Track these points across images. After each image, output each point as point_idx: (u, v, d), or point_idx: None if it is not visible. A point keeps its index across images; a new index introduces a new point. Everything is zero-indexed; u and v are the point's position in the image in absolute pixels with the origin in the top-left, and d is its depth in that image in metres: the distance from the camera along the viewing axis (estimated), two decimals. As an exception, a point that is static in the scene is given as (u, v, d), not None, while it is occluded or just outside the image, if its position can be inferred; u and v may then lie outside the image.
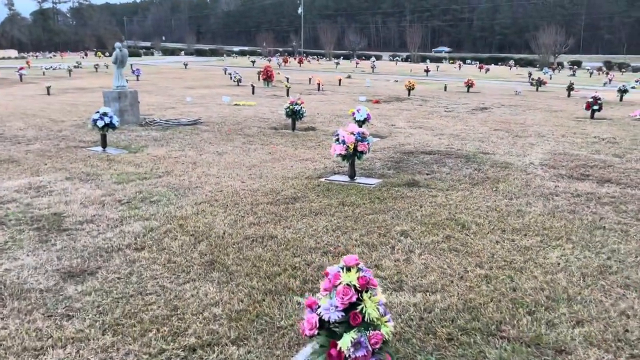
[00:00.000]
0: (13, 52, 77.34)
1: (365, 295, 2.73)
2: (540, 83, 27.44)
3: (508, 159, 9.00)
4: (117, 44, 12.82)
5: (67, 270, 4.31)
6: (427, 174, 7.73)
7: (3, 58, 68.50)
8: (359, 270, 2.80)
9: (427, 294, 3.93)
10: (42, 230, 5.25)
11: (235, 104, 17.48)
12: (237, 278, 4.19)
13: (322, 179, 7.44)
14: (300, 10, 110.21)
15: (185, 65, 49.93)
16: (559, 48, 63.96)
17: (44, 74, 35.94)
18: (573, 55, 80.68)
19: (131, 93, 12.83)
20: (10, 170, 7.91)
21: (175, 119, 13.21)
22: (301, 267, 4.38)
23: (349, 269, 2.81)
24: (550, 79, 36.58)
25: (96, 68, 42.42)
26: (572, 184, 7.39)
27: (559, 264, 4.52)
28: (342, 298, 2.68)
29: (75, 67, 42.93)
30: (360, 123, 11.11)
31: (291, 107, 11.88)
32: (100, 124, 9.45)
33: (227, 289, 4.00)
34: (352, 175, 7.34)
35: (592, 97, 15.51)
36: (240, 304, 3.76)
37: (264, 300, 3.82)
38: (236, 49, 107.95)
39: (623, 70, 58.30)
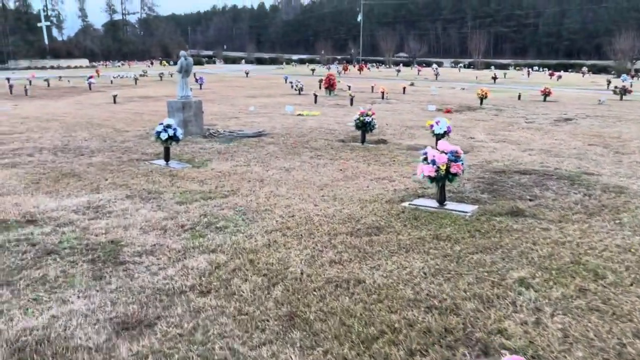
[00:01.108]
0: (84, 62, 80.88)
1: None
2: (624, 92, 25.24)
3: (619, 182, 7.73)
4: (182, 53, 12.43)
5: (122, 319, 3.62)
6: (529, 200, 6.64)
7: (75, 67, 71.74)
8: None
9: (581, 381, 2.93)
10: (97, 263, 4.62)
11: (299, 114, 16.83)
12: (323, 341, 3.34)
13: (406, 204, 6.51)
14: (359, 18, 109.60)
15: (247, 73, 50.18)
16: (637, 54, 59.76)
17: (111, 82, 36.94)
18: (650, 61, 75.48)
19: (195, 103, 12.39)
20: (71, 186, 7.49)
21: (240, 130, 12.66)
22: (402, 330, 3.48)
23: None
24: (631, 86, 33.87)
25: (161, 77, 43.31)
26: None
27: None
28: None
29: (141, 75, 44.03)
30: (440, 136, 10.11)
31: (361, 118, 11.03)
32: (163, 136, 8.94)
33: (313, 358, 3.17)
34: (441, 201, 6.37)
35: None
36: (332, 383, 2.91)
37: (362, 379, 2.95)
38: (295, 57, 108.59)
39: None
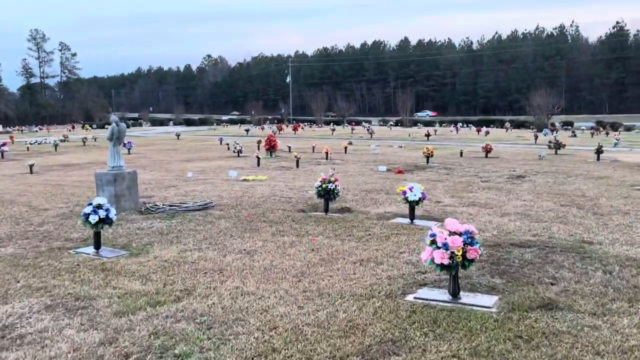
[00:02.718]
0: (-3, 127, 75.56)
1: None
2: (559, 146, 26.08)
3: (627, 252, 6.95)
4: (113, 118, 10.89)
5: None
6: (551, 284, 5.62)
7: (-14, 133, 66.50)
8: None
9: None
10: None
11: (244, 180, 15.47)
12: None
13: (411, 298, 5.29)
14: (288, 79, 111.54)
15: (178, 135, 48.25)
16: (551, 109, 64.11)
17: (28, 149, 33.86)
18: (559, 116, 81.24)
19: (129, 174, 10.76)
20: (-32, 294, 5.66)
21: (182, 202, 11.09)
22: None
23: None
24: (555, 139, 35.50)
25: (84, 142, 40.54)
26: None
27: None
28: None
29: (62, 141, 40.97)
30: (414, 204, 9.13)
31: (324, 185, 9.88)
32: (93, 219, 7.29)
33: None
34: (455, 293, 5.21)
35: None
36: None
37: None
38: (225, 117, 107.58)
39: (619, 129, 58.05)
